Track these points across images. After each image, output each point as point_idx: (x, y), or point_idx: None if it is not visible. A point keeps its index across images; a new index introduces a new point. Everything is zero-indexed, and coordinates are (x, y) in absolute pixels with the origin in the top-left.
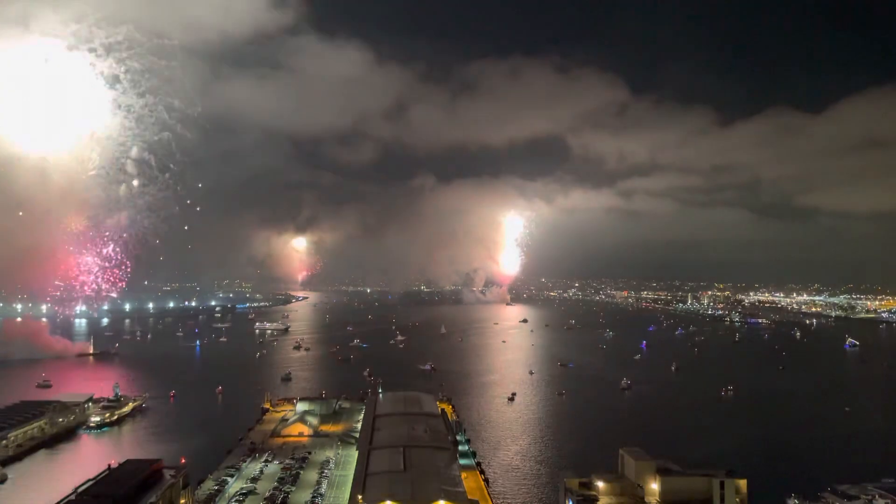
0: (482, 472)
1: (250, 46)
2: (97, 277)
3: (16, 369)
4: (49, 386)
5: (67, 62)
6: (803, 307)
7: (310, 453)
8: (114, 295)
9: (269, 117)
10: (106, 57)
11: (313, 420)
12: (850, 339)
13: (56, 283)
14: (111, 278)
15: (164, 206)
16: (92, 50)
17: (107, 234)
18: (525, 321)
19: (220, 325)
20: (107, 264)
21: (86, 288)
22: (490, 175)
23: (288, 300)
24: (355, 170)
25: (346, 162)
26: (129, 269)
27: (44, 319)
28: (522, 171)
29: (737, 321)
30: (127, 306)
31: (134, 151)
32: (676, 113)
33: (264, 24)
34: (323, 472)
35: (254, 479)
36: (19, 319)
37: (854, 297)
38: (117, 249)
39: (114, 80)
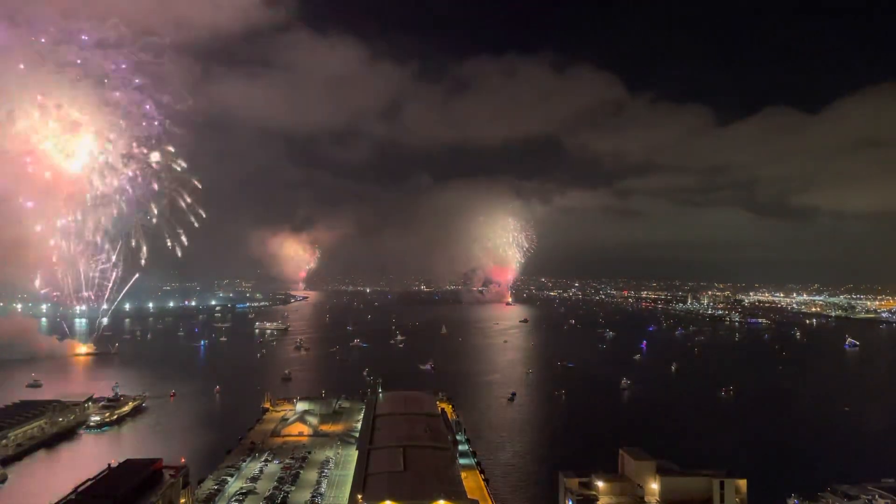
0: (482, 471)
1: (241, 44)
2: (92, 276)
3: (6, 370)
4: (39, 386)
5: (55, 57)
6: (803, 307)
7: (310, 453)
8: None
9: (262, 116)
10: (94, 53)
11: (313, 420)
12: (850, 339)
13: (41, 279)
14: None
15: (155, 202)
16: (81, 46)
17: (93, 230)
18: (525, 321)
19: (220, 324)
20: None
21: (74, 292)
22: (486, 175)
23: (288, 300)
24: (351, 169)
25: (341, 161)
26: (119, 270)
27: (43, 319)
28: (518, 171)
29: (737, 321)
30: (127, 306)
31: (122, 147)
32: (673, 112)
33: (255, 22)
34: (323, 472)
35: (254, 479)
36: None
37: (854, 297)
38: (106, 246)
39: (102, 76)
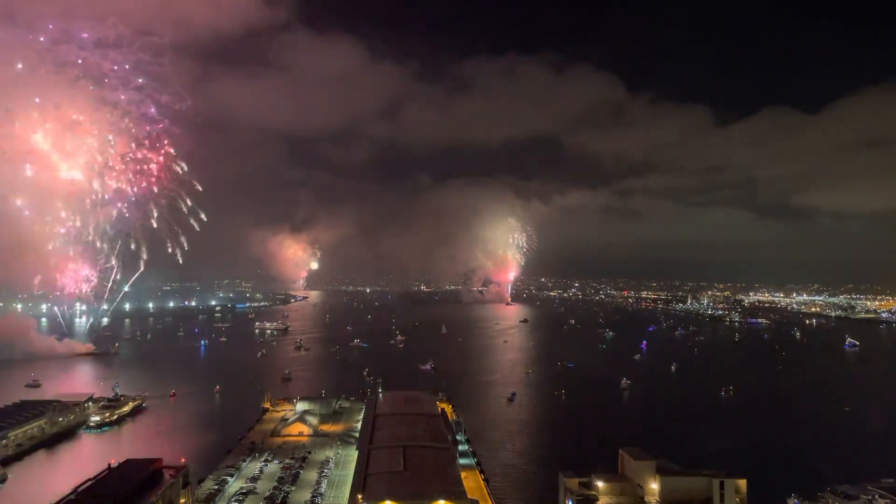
0: (482, 471)
1: (241, 44)
2: (89, 277)
3: (5, 369)
4: (38, 385)
5: (54, 56)
6: (803, 307)
7: (310, 453)
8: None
9: (261, 116)
10: (93, 52)
11: (313, 420)
12: (849, 339)
13: (40, 279)
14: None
15: (155, 204)
16: (80, 46)
17: (92, 231)
18: (525, 321)
19: (220, 324)
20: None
21: (77, 287)
22: (485, 175)
23: (288, 300)
24: (351, 169)
25: (341, 161)
26: (115, 270)
27: (43, 319)
28: (518, 171)
29: (737, 321)
30: (127, 306)
31: (121, 148)
32: (673, 112)
33: (255, 21)
34: (323, 472)
35: (254, 479)
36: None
37: (854, 297)
38: (105, 248)
39: (101, 76)
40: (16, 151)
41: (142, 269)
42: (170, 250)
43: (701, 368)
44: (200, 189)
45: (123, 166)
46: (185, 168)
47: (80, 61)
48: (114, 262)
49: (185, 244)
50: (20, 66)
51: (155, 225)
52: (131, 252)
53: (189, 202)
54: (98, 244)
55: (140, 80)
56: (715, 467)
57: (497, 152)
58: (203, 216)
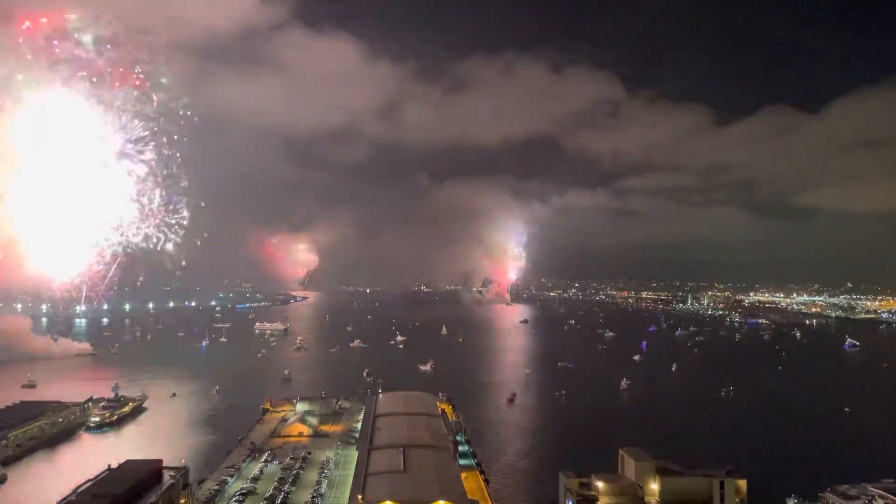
0: (482, 472)
1: (238, 42)
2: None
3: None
4: (34, 386)
5: (47, 55)
6: (803, 307)
7: (310, 453)
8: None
9: (259, 115)
10: (88, 51)
11: (313, 420)
12: (850, 339)
13: (39, 280)
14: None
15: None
16: (74, 44)
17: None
18: (525, 321)
19: (220, 325)
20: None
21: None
22: (484, 175)
23: (287, 300)
24: (349, 169)
25: (339, 161)
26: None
27: (43, 319)
28: (517, 171)
29: (737, 321)
30: (127, 306)
31: (115, 145)
32: (671, 111)
33: (252, 20)
34: (323, 472)
35: (254, 479)
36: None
37: (854, 297)
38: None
39: (95, 75)
40: (7, 151)
41: (139, 282)
42: (168, 266)
43: (701, 368)
44: (203, 205)
45: (117, 163)
46: (186, 183)
47: (73, 59)
48: (111, 273)
49: (184, 263)
50: (13, 64)
51: (153, 236)
52: (129, 264)
53: (188, 214)
54: (96, 249)
55: (136, 80)
56: (715, 467)
57: (496, 152)
58: (205, 233)
